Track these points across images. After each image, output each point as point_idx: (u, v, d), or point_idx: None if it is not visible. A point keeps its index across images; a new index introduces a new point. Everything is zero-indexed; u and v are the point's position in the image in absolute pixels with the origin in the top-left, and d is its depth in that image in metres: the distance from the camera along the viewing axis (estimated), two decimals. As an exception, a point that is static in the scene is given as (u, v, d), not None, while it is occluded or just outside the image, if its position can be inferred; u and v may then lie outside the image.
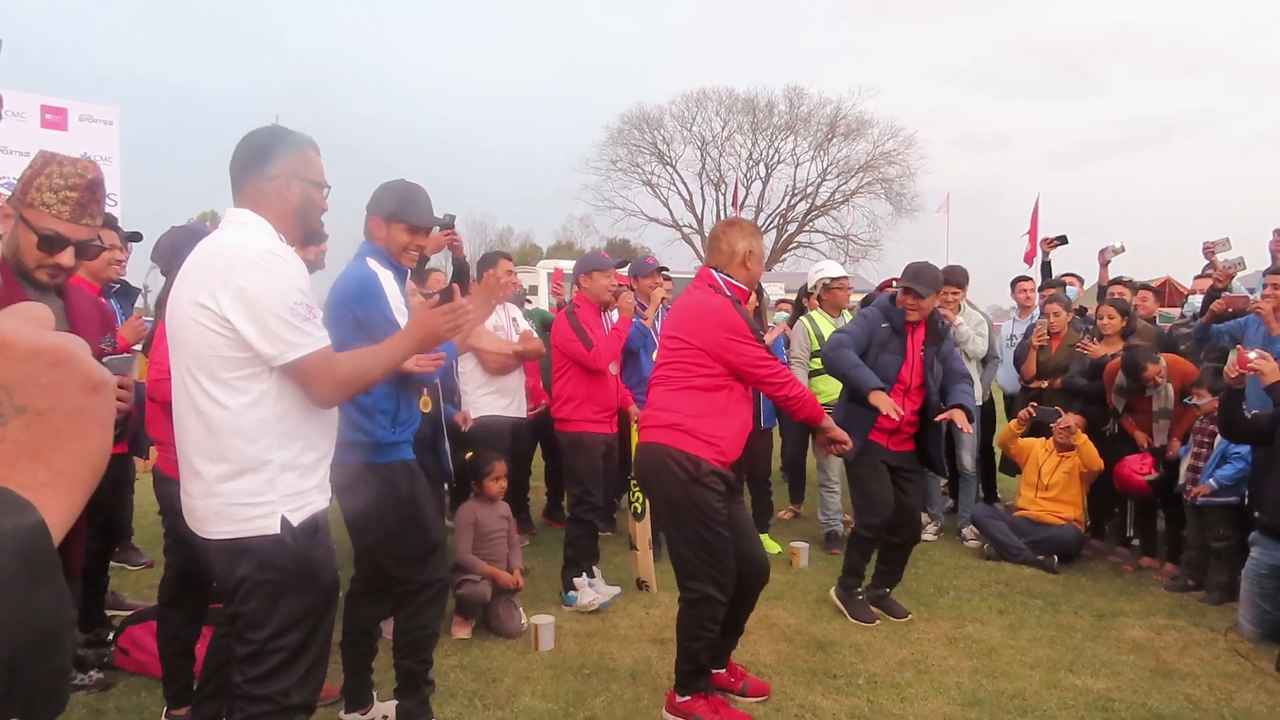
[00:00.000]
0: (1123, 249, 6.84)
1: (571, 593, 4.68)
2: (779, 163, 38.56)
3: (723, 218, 36.74)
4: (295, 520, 2.10)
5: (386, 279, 2.99)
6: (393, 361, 2.30)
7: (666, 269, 6.05)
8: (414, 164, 50.72)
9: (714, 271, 3.50)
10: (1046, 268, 7.35)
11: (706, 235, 34.41)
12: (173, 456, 3.04)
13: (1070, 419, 5.78)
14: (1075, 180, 52.87)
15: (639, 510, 4.96)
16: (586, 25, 61.21)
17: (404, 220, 3.07)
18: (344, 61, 60.48)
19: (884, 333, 4.54)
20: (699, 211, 38.63)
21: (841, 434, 3.62)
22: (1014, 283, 7.22)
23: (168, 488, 3.16)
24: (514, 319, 5.41)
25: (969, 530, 6.14)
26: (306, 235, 2.35)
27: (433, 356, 2.62)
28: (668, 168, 38.54)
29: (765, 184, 38.46)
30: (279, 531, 2.08)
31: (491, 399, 5.09)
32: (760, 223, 36.61)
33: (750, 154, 38.61)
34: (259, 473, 2.07)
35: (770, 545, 5.90)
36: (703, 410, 3.32)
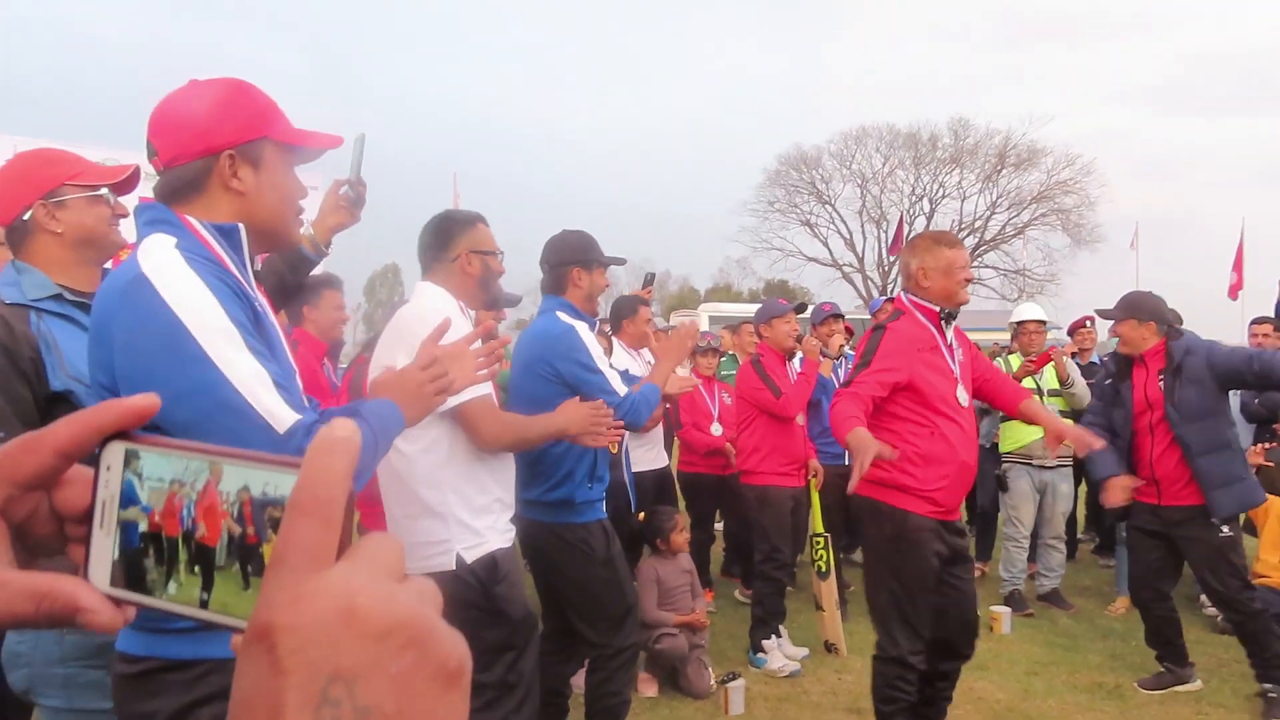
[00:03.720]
0: None
1: (760, 654, 4.51)
2: (944, 197, 37.25)
3: (885, 256, 36.00)
4: (470, 558, 2.26)
5: (583, 329, 3.01)
6: (546, 434, 2.52)
7: (843, 314, 5.85)
8: (568, 211, 52.52)
9: (903, 295, 3.37)
10: None
11: (866, 273, 32.65)
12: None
13: None
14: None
15: (824, 569, 4.74)
16: (739, 66, 61.88)
17: (602, 264, 3.14)
18: (511, 114, 63.89)
19: (1109, 390, 4.23)
20: (859, 250, 37.76)
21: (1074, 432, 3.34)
22: (1250, 325, 6.49)
23: None
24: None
25: (1205, 598, 5.49)
26: (491, 300, 2.56)
27: (614, 432, 2.61)
28: (826, 207, 37.97)
29: (929, 219, 37.13)
30: (455, 568, 2.24)
31: (639, 453, 4.88)
32: (925, 259, 35.28)
33: (913, 189, 37.51)
34: (436, 515, 2.27)
35: None
36: (908, 458, 3.11)
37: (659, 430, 5.14)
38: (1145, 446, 4.07)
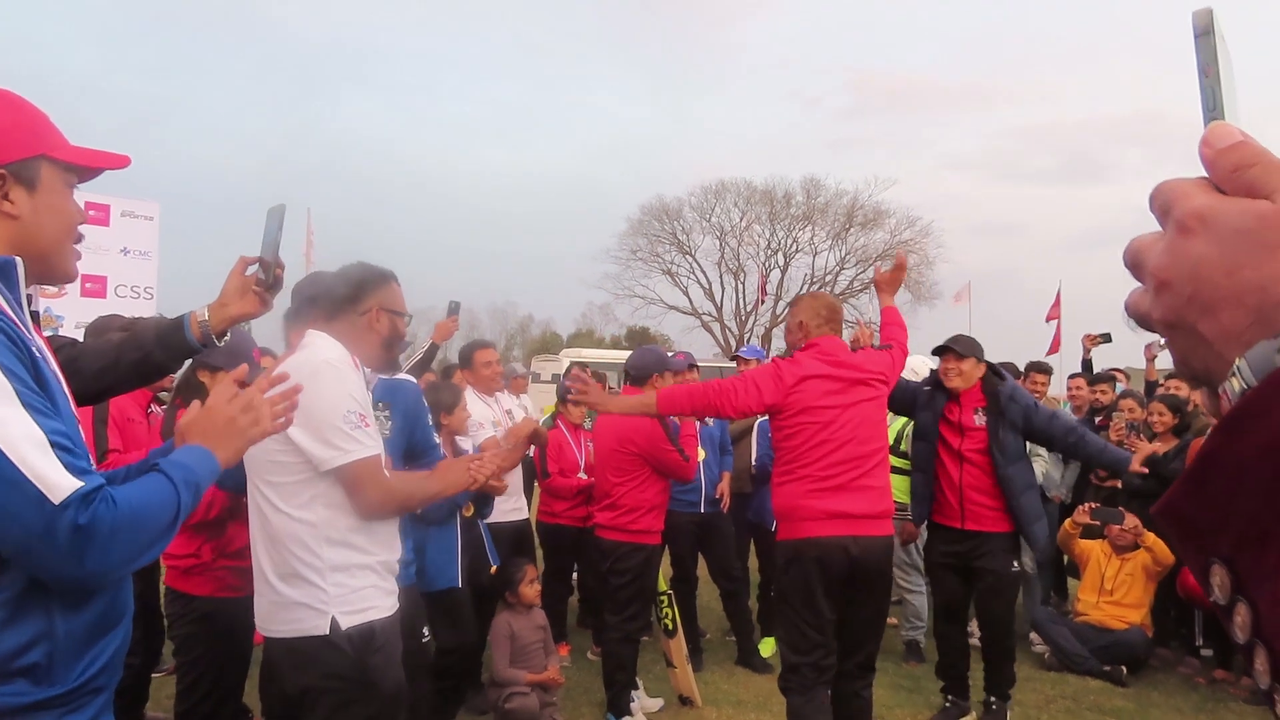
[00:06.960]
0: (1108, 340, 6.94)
1: (627, 718, 4.34)
2: (797, 252, 38.93)
3: (742, 306, 37.33)
4: (346, 624, 2.11)
5: None
6: (429, 497, 2.42)
7: (697, 365, 5.91)
8: (433, 251, 51.63)
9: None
10: (1088, 365, 7.19)
11: (725, 323, 33.48)
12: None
13: (1132, 520, 5.52)
14: (1094, 264, 52.91)
15: (670, 627, 4.65)
16: (606, 116, 63.12)
17: None
18: (368, 153, 62.61)
19: (925, 394, 4.44)
20: (718, 299, 38.87)
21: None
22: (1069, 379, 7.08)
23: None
24: (508, 410, 5.09)
25: (1034, 635, 5.79)
26: (392, 361, 2.47)
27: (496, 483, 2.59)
28: (687, 257, 38.93)
29: (784, 273, 38.75)
30: (329, 633, 2.09)
31: (498, 503, 4.47)
32: (779, 311, 36.73)
33: (769, 243, 39.05)
34: (310, 576, 2.12)
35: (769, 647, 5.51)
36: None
37: (518, 480, 4.96)
38: (953, 472, 4.28)
